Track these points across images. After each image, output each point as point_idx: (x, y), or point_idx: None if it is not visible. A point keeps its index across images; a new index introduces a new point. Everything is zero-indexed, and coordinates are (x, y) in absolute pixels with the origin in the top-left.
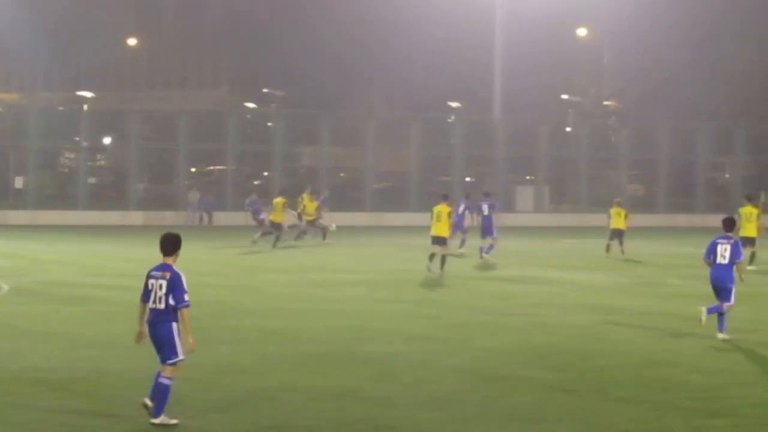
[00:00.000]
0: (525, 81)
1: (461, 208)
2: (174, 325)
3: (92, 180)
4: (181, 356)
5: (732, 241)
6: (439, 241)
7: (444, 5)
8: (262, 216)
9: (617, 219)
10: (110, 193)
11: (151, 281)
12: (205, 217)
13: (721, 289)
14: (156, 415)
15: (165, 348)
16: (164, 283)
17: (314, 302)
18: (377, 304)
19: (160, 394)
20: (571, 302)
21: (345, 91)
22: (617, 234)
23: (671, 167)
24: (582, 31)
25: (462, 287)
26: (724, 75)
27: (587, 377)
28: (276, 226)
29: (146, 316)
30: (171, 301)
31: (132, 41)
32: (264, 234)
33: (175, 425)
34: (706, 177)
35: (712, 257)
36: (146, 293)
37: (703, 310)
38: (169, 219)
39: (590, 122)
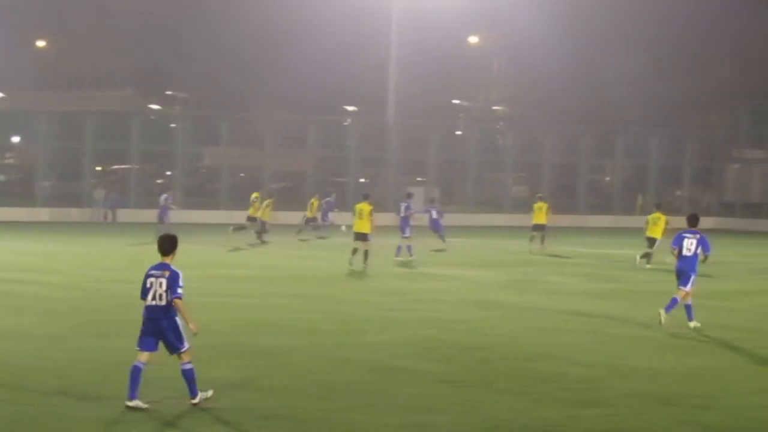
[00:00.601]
0: (418, 86)
1: (434, 213)
2: (176, 318)
3: (1, 177)
4: (187, 344)
5: (698, 236)
6: (361, 237)
7: (341, 10)
8: (169, 216)
9: (539, 214)
10: (18, 190)
11: (151, 279)
12: (110, 214)
13: (685, 275)
14: (193, 396)
15: (172, 340)
16: (164, 281)
17: (215, 296)
18: (274, 299)
19: (189, 379)
20: (458, 298)
21: (246, 94)
22: (539, 228)
23: (555, 170)
24: (473, 39)
25: (354, 283)
26: (604, 82)
27: (471, 369)
28: (254, 221)
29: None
30: (170, 297)
31: (40, 42)
32: (237, 229)
33: (211, 396)
34: (587, 179)
35: (677, 249)
36: (145, 291)
37: (662, 312)
38: (75, 216)
39: (479, 126)
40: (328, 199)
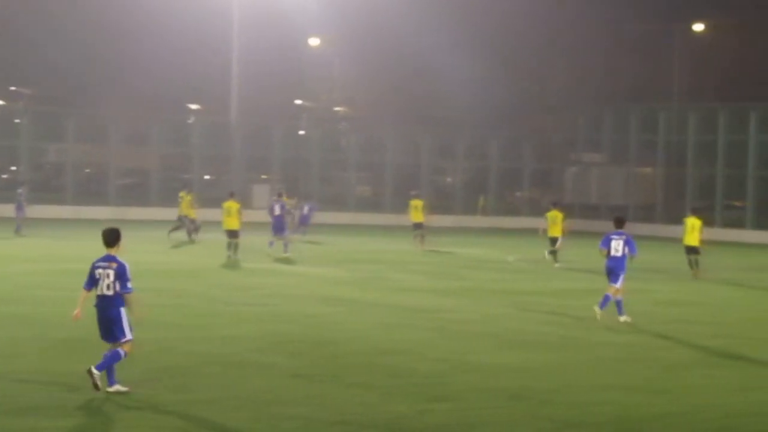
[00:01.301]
0: (261, 85)
1: (306, 209)
2: (122, 309)
3: None
4: (129, 336)
5: (625, 237)
6: (232, 234)
7: (185, 9)
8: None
9: (416, 212)
10: None
11: (98, 271)
12: None
13: (615, 274)
14: (111, 383)
15: (115, 329)
16: (111, 272)
17: (63, 290)
18: None
19: (114, 360)
20: (307, 293)
21: (93, 91)
22: (419, 227)
23: (397, 170)
24: (315, 41)
25: (204, 278)
26: (445, 84)
27: (321, 364)
28: (185, 220)
29: (84, 302)
30: (118, 288)
31: None
32: (174, 229)
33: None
34: (429, 180)
35: (606, 249)
36: (91, 281)
37: (596, 309)
38: None
39: (321, 126)
40: (308, 206)
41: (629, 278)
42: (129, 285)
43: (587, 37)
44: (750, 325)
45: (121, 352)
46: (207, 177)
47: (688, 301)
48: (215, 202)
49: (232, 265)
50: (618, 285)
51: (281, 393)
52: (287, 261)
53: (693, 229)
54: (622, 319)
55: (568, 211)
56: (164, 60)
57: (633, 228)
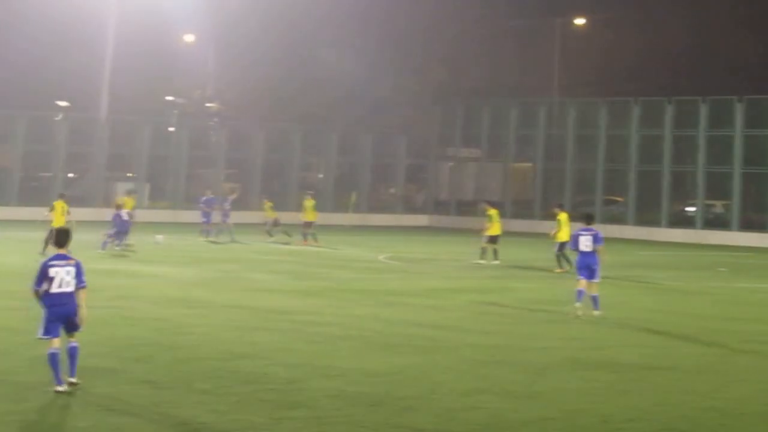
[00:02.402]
0: (132, 82)
1: (228, 204)
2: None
3: None
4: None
5: (593, 232)
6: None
7: (53, 3)
8: None
9: (309, 211)
10: None
11: (55, 269)
12: None
13: (592, 270)
14: (73, 375)
15: (76, 322)
16: (71, 269)
17: None
18: None
19: (76, 357)
20: (158, 295)
21: None
22: (308, 225)
23: (266, 167)
24: (188, 36)
25: None
26: (316, 80)
27: (171, 369)
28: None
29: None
30: (76, 284)
31: None
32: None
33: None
34: (298, 176)
35: (576, 248)
36: (43, 280)
37: (577, 305)
38: None
39: (191, 123)
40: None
41: (506, 277)
42: (84, 279)
43: (464, 29)
44: (626, 325)
45: (77, 343)
46: (71, 175)
47: (562, 300)
48: (79, 201)
49: None
50: (598, 279)
51: (128, 400)
52: (143, 261)
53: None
54: (597, 313)
55: (444, 209)
56: (33, 55)
57: (510, 224)
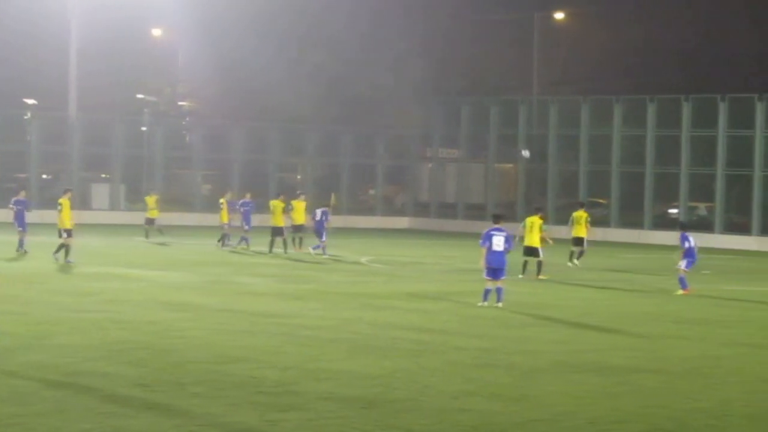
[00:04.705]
0: (101, 80)
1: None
2: None
3: None
4: None
5: (505, 233)
6: (61, 232)
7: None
8: None
9: (298, 214)
10: None
11: None
12: None
13: (500, 270)
14: None
15: None
16: None
17: None
18: None
19: None
20: (148, 299)
21: None
22: (298, 229)
23: (244, 167)
24: (157, 32)
25: (42, 284)
26: (294, 78)
27: (164, 373)
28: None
29: None
30: None
31: None
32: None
33: None
34: (277, 177)
35: (487, 245)
36: None
37: (484, 304)
38: None
39: (165, 122)
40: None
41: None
42: None
43: (443, 27)
44: (612, 328)
45: None
46: (45, 176)
47: (548, 303)
48: (55, 203)
49: (67, 269)
50: (503, 277)
51: (123, 404)
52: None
53: (532, 229)
54: (498, 305)
55: (424, 211)
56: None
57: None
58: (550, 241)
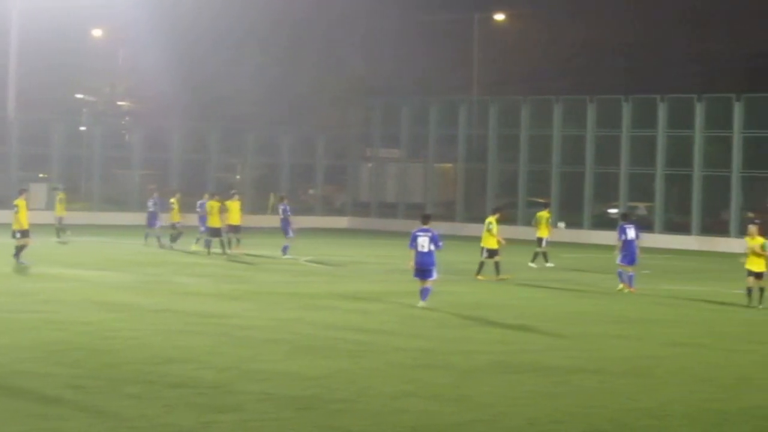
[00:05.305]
0: (40, 79)
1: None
2: None
3: None
4: None
5: (430, 234)
6: (15, 233)
7: None
8: None
9: (234, 214)
10: None
11: None
12: None
13: (426, 270)
14: None
15: None
16: None
17: None
18: None
19: None
20: (82, 299)
21: None
22: (234, 229)
23: (184, 167)
24: (97, 32)
25: None
26: (234, 78)
27: (99, 374)
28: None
29: None
30: None
31: None
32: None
33: None
34: (216, 177)
35: (414, 246)
36: None
37: (421, 303)
38: None
39: (104, 122)
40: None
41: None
42: None
43: (382, 25)
44: (552, 329)
45: None
46: None
47: (487, 303)
48: None
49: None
50: (435, 277)
51: (56, 406)
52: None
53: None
54: (421, 304)
55: (364, 210)
56: None
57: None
58: (503, 242)
